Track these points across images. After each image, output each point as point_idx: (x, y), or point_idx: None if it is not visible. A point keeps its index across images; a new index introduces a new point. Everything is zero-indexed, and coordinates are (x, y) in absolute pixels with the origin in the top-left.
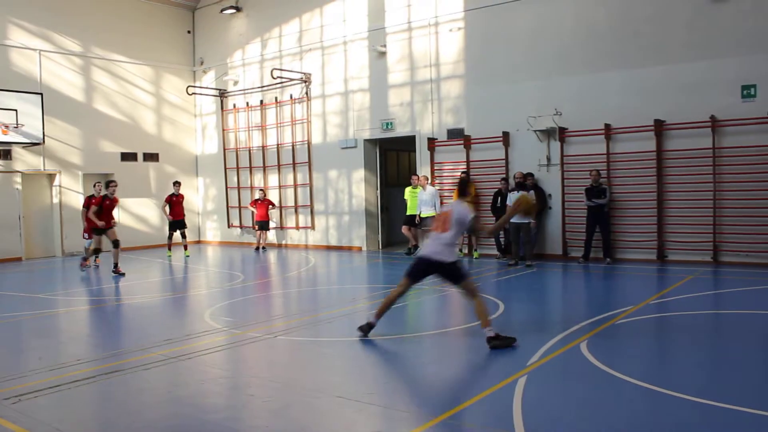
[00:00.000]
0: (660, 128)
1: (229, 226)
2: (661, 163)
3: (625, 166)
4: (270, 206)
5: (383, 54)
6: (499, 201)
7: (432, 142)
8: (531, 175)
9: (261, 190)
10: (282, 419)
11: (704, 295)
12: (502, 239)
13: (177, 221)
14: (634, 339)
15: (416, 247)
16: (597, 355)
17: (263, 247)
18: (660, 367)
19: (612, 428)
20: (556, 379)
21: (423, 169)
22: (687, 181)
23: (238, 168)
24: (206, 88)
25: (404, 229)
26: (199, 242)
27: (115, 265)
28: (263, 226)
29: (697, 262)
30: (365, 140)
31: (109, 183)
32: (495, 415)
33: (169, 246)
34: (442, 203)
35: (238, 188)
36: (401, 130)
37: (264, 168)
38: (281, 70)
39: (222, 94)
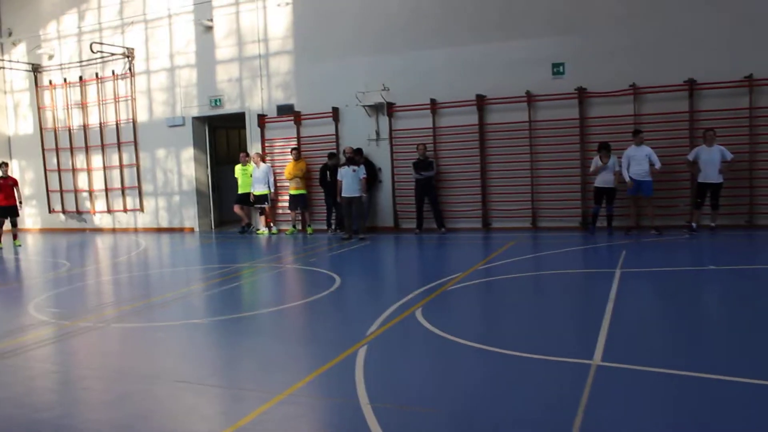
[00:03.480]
0: (481, 103)
1: (50, 212)
2: (483, 136)
3: (450, 140)
4: (14, 186)
5: (210, 29)
6: (328, 175)
7: (262, 119)
8: (360, 150)
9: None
10: (121, 410)
11: (524, 259)
12: (333, 214)
13: (5, 207)
14: (464, 303)
15: (249, 225)
16: (431, 320)
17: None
18: (489, 328)
19: (450, 388)
20: (395, 347)
21: (254, 146)
22: (506, 152)
23: (57, 149)
24: (17, 62)
25: (236, 208)
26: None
27: None
28: (7, 212)
29: (518, 228)
30: (194, 117)
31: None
32: (339, 386)
33: None
34: (275, 181)
35: (59, 170)
36: (230, 107)
37: (86, 148)
38: (101, 44)
39: (36, 69)
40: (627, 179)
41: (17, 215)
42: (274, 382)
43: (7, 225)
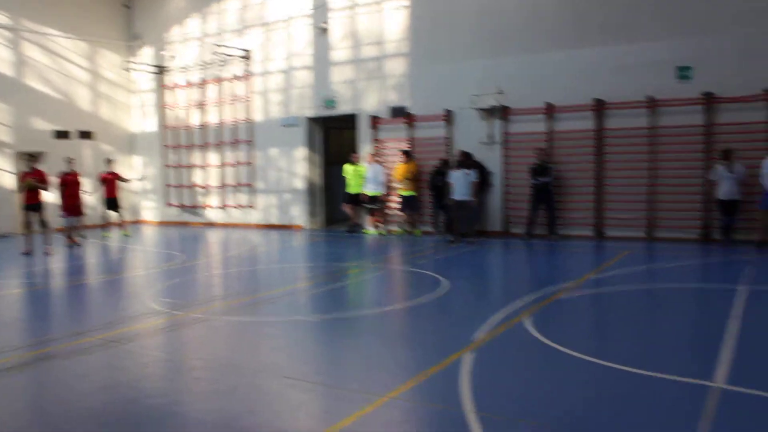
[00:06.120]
0: (599, 108)
1: (167, 205)
2: (600, 142)
3: (565, 145)
4: (118, 180)
5: (325, 31)
6: (439, 180)
7: (375, 120)
8: (469, 154)
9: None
10: (229, 402)
11: (639, 270)
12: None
13: (109, 199)
14: (575, 313)
15: (357, 224)
16: (541, 329)
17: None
18: (601, 341)
19: (559, 402)
20: (501, 355)
21: (365, 147)
22: (624, 159)
23: (177, 146)
24: (144, 64)
25: (346, 207)
26: (136, 222)
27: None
28: (112, 205)
29: (633, 237)
30: (308, 118)
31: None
32: (443, 393)
33: (105, 226)
34: (386, 181)
35: (178, 167)
36: (344, 108)
37: (204, 146)
38: (222, 46)
39: (161, 71)
40: None
41: (119, 208)
42: (378, 383)
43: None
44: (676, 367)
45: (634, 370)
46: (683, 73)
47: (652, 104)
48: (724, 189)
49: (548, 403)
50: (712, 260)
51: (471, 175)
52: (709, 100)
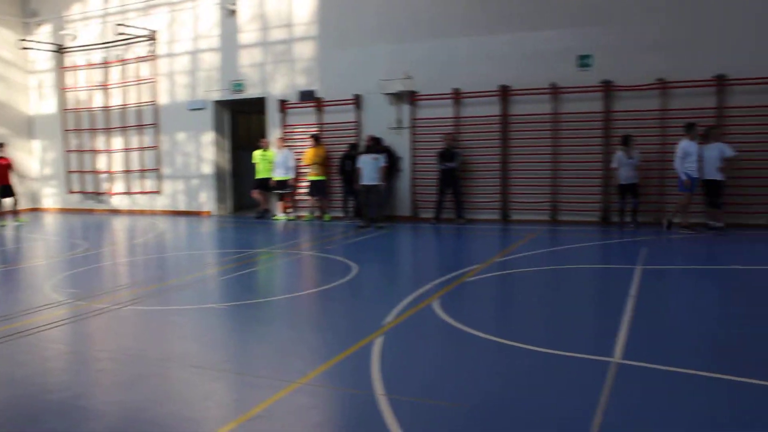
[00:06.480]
0: (505, 94)
1: (69, 192)
2: (506, 127)
3: (472, 130)
4: (8, 167)
5: (233, 12)
6: (348, 164)
7: (284, 104)
8: (379, 139)
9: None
10: (135, 393)
11: (544, 252)
12: (351, 201)
13: (2, 187)
14: (482, 295)
15: (267, 210)
16: (449, 312)
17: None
18: (507, 321)
19: (467, 382)
20: (411, 338)
21: (274, 132)
22: (529, 144)
23: (79, 130)
24: (42, 42)
25: (254, 192)
26: (35, 210)
27: None
28: (5, 192)
29: (538, 221)
30: (215, 102)
31: None
32: (354, 377)
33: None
34: (296, 166)
35: (79, 151)
36: (252, 92)
37: (107, 130)
38: (125, 26)
39: (60, 50)
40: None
41: (13, 194)
42: (289, 369)
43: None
44: (578, 345)
45: (539, 349)
46: (584, 61)
47: (555, 91)
48: (624, 174)
49: (457, 383)
50: (611, 241)
51: (380, 159)
52: (608, 88)
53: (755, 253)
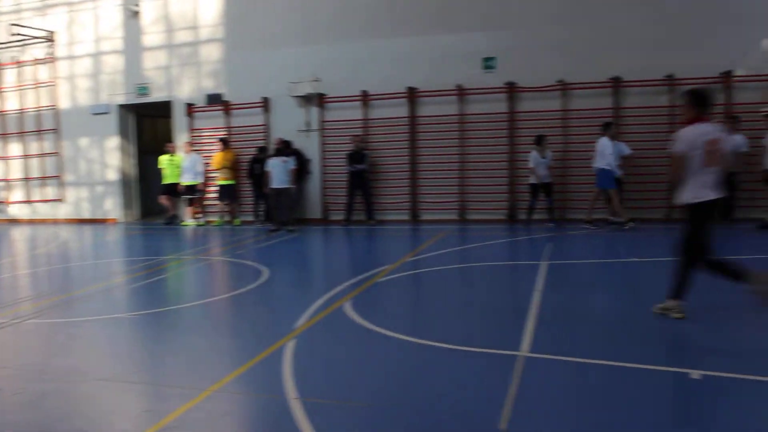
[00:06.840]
0: (412, 95)
1: None
2: (414, 129)
3: (381, 132)
4: None
5: (137, 14)
6: (257, 168)
7: (190, 108)
8: (289, 142)
9: None
10: (38, 411)
11: (453, 251)
12: (262, 205)
13: None
14: (393, 295)
15: (175, 216)
16: (360, 313)
17: None
18: (417, 320)
19: (379, 381)
20: (323, 341)
21: (181, 136)
22: (436, 145)
23: None
24: None
25: (162, 198)
26: None
27: None
28: None
29: (447, 220)
30: (119, 105)
31: None
32: (266, 382)
33: None
34: (204, 171)
35: None
36: (158, 95)
37: (4, 136)
38: (20, 26)
39: None
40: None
41: None
42: (200, 378)
43: None
44: (487, 340)
45: (449, 346)
46: (488, 63)
47: (461, 92)
48: (539, 173)
49: (368, 383)
50: (518, 238)
51: (289, 162)
52: (512, 89)
53: (653, 246)
